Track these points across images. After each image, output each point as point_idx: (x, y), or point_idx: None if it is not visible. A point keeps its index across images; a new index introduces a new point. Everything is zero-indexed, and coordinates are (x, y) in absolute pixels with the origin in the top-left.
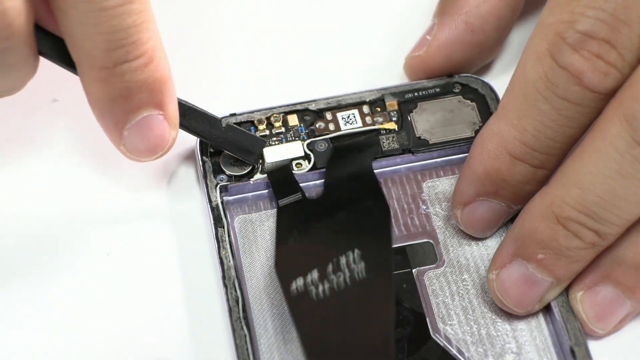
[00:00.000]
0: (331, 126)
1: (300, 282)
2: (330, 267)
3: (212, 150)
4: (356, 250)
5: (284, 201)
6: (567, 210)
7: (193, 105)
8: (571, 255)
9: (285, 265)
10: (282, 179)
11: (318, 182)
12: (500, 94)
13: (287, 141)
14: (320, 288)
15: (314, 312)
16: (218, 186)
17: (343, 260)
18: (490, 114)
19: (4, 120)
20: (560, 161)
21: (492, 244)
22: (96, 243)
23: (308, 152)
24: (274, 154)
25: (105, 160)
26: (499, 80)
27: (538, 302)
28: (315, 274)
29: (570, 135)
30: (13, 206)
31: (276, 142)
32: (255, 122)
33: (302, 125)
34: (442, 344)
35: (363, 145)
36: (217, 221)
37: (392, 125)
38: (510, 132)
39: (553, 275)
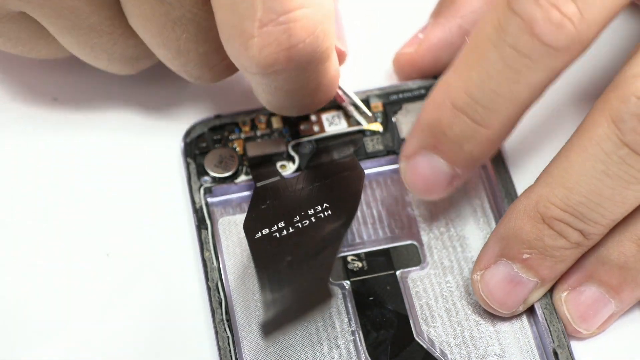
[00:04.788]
0: (315, 127)
1: (265, 231)
2: (297, 218)
3: (197, 152)
4: (325, 204)
5: (262, 183)
6: (552, 210)
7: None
8: (556, 255)
9: (253, 222)
10: (262, 168)
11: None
12: None
13: None
14: (284, 232)
15: (274, 247)
16: (202, 188)
17: (311, 211)
18: None
19: (5, 119)
20: (503, 123)
21: (476, 246)
22: (78, 244)
23: (292, 153)
24: (255, 148)
25: (101, 159)
26: None
27: (522, 304)
28: (281, 224)
29: (516, 92)
30: (13, 205)
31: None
32: (240, 123)
33: (286, 126)
34: (425, 346)
35: (345, 142)
36: (201, 223)
37: (377, 127)
38: (456, 81)
39: (538, 276)
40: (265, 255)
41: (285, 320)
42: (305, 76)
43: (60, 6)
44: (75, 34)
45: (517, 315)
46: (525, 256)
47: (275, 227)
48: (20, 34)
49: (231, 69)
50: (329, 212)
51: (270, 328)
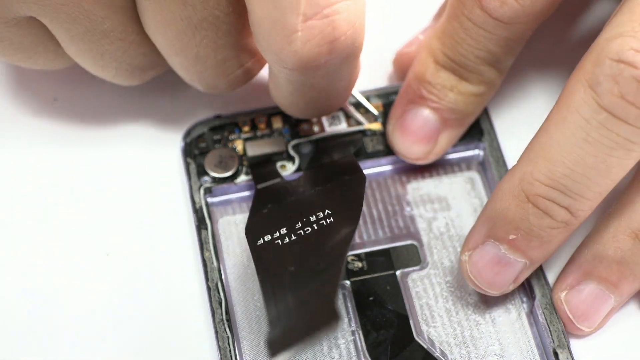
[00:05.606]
0: (316, 128)
1: (267, 237)
2: (299, 224)
3: (197, 152)
4: (327, 211)
5: (262, 185)
6: (536, 187)
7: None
8: (543, 235)
9: (255, 228)
10: (262, 168)
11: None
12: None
13: None
14: (287, 239)
15: (277, 256)
16: (202, 188)
17: (313, 218)
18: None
19: (6, 119)
20: (479, 80)
21: None
22: (78, 244)
23: (293, 153)
24: (255, 148)
25: (101, 159)
26: None
27: (512, 283)
28: (283, 231)
29: (482, 58)
30: (13, 205)
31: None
32: (240, 123)
33: (286, 126)
34: (425, 346)
35: (345, 142)
36: (201, 223)
37: (377, 126)
38: (435, 43)
39: (526, 256)
40: (268, 264)
41: (293, 341)
42: (341, 72)
43: (76, 10)
44: (88, 41)
45: (517, 315)
46: (512, 237)
47: (278, 234)
48: (23, 40)
49: (245, 77)
50: (331, 219)
51: (278, 348)
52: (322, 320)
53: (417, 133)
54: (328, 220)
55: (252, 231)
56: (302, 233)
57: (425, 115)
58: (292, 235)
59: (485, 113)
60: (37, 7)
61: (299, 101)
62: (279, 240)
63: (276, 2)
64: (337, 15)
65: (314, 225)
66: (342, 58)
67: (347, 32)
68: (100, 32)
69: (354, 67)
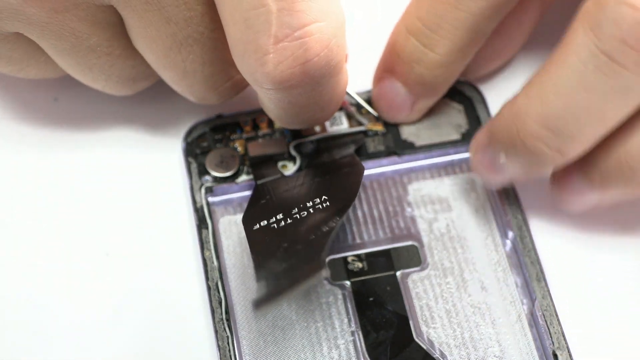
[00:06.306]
0: (317, 127)
1: (263, 222)
2: (295, 210)
3: (198, 152)
4: (324, 197)
5: (262, 181)
6: (528, 124)
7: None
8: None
9: (252, 215)
10: (263, 167)
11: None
12: (490, 100)
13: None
14: (282, 223)
15: (271, 237)
16: (203, 187)
17: (309, 203)
18: (477, 117)
19: (6, 119)
20: (450, 48)
21: (476, 247)
22: (78, 244)
23: (294, 153)
24: (257, 148)
25: (101, 159)
26: (489, 85)
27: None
28: (280, 216)
29: (461, 19)
30: (13, 205)
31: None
32: (241, 123)
33: None
34: (425, 347)
35: (347, 142)
36: (202, 222)
37: (379, 126)
38: (412, 8)
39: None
40: (262, 244)
41: (277, 293)
42: (319, 90)
43: (61, 28)
44: (74, 56)
45: (517, 317)
46: (502, 161)
47: (274, 219)
48: (12, 54)
49: (236, 89)
50: (327, 203)
51: (262, 300)
52: (306, 271)
53: (391, 103)
54: (324, 205)
55: (249, 219)
56: (298, 217)
57: (396, 88)
58: (288, 219)
59: (486, 112)
60: (22, 24)
61: (283, 115)
62: (275, 225)
63: (248, 23)
64: (309, 37)
65: (310, 209)
66: (318, 78)
67: (321, 53)
68: (86, 47)
69: (336, 82)
